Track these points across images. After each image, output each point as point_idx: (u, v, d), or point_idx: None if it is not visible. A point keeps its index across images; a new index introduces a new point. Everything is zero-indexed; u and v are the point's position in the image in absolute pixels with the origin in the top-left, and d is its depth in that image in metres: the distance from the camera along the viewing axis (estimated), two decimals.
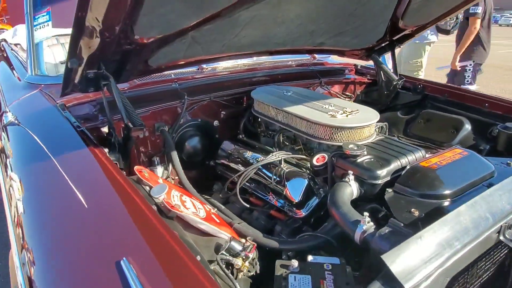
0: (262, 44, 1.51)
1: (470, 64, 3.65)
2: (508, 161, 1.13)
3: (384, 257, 0.65)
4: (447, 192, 0.92)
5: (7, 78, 1.86)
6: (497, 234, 0.82)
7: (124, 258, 0.62)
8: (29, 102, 1.44)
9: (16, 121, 1.31)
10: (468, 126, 1.61)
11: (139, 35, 1.02)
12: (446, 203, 0.90)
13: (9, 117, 1.32)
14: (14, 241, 0.93)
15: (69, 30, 0.93)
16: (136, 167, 1.04)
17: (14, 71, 1.91)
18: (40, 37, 1.71)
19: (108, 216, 0.79)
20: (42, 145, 1.10)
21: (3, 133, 1.38)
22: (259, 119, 1.59)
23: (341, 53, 1.99)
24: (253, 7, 1.12)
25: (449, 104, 1.77)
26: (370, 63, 2.10)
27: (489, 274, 0.90)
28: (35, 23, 1.72)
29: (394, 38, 1.88)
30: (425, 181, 0.95)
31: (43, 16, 1.74)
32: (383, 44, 1.94)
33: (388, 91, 1.95)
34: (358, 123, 1.23)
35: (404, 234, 0.77)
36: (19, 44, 2.82)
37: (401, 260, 0.66)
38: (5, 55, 2.44)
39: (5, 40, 2.96)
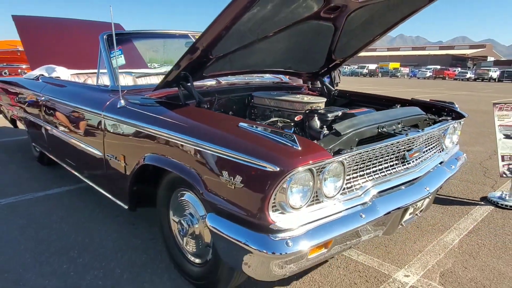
0: (258, 66, 2.66)
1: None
2: None
3: (335, 126, 1.76)
4: None
5: (90, 89, 2.80)
6: (377, 129, 1.96)
7: (239, 123, 1.65)
8: (124, 98, 2.39)
9: (126, 105, 2.28)
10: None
11: (212, 54, 2.11)
12: None
13: (123, 102, 2.30)
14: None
15: None
16: None
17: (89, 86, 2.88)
18: (117, 64, 2.71)
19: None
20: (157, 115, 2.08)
21: (111, 114, 2.33)
22: (256, 110, 2.69)
23: (299, 75, 3.20)
24: (262, 42, 2.27)
25: (364, 102, 3.01)
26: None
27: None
28: (111, 56, 2.72)
29: (330, 66, 3.14)
30: (349, 116, 2.10)
31: (116, 51, 2.76)
32: (323, 70, 3.19)
33: (329, 98, 3.17)
34: (316, 100, 2.39)
35: None
36: (58, 77, 3.74)
37: (340, 127, 1.77)
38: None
39: (42, 75, 3.85)
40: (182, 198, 2.04)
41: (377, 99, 2.98)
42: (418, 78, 49.02)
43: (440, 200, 3.49)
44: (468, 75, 45.39)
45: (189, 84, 2.23)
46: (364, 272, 2.28)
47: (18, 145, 5.56)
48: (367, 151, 1.73)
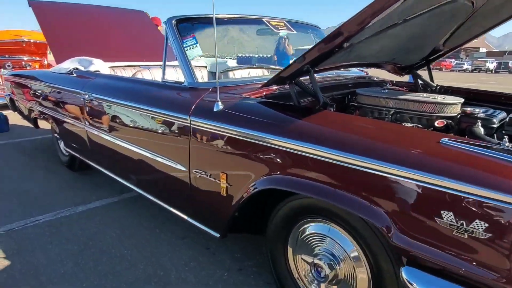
0: (368, 57, 2.18)
1: None
2: None
3: None
4: None
5: (157, 87, 2.29)
6: None
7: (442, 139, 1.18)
8: (215, 98, 1.88)
9: (224, 109, 1.79)
10: None
11: (348, 42, 1.62)
12: None
13: (221, 105, 1.80)
14: None
15: None
16: None
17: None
18: (192, 55, 2.20)
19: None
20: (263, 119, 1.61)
21: (205, 120, 1.83)
22: (361, 110, 2.22)
23: (387, 68, 2.71)
24: (390, 29, 1.78)
25: (478, 100, 2.50)
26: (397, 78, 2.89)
27: None
28: (184, 46, 2.21)
29: (430, 58, 2.66)
30: None
31: (190, 40, 2.25)
32: (419, 63, 2.71)
33: None
34: (455, 101, 1.92)
35: None
36: (98, 71, 3.22)
37: None
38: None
39: (77, 69, 3.32)
40: (316, 231, 1.56)
41: (493, 97, 2.52)
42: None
43: None
44: (465, 66, 45.02)
45: (307, 81, 1.75)
46: None
47: (36, 146, 5.02)
48: None
